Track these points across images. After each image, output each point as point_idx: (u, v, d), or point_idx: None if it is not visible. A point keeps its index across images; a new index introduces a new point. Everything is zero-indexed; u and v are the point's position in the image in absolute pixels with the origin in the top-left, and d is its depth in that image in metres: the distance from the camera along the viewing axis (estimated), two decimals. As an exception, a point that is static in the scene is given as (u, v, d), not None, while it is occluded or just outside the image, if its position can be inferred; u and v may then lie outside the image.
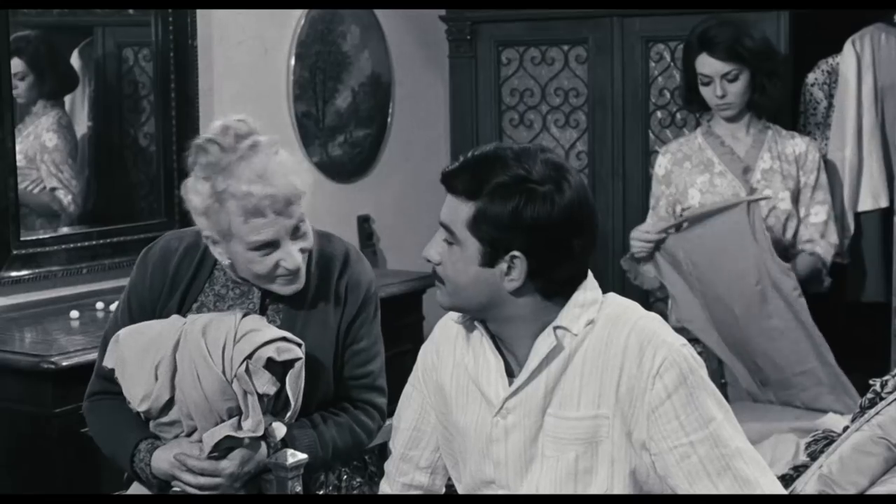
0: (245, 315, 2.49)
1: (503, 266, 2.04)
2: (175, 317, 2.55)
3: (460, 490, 2.26)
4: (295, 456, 2.43)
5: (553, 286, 2.07)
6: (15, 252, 3.70)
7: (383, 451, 2.72)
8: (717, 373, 3.82)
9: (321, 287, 2.61)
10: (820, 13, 4.40)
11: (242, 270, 2.53)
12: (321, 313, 2.61)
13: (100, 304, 3.75)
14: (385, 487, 2.38)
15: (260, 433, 2.42)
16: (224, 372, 2.41)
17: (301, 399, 2.48)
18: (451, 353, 2.22)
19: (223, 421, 2.43)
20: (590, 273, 2.14)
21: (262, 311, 2.60)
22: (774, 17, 4.35)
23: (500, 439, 2.12)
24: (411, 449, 2.32)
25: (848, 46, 4.36)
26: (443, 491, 2.37)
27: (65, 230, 3.94)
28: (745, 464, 2.02)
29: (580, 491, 2.08)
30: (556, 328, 2.08)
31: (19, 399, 3.26)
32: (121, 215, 4.12)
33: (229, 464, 2.43)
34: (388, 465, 2.38)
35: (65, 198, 3.94)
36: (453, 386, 2.21)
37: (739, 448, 2.02)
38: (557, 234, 2.03)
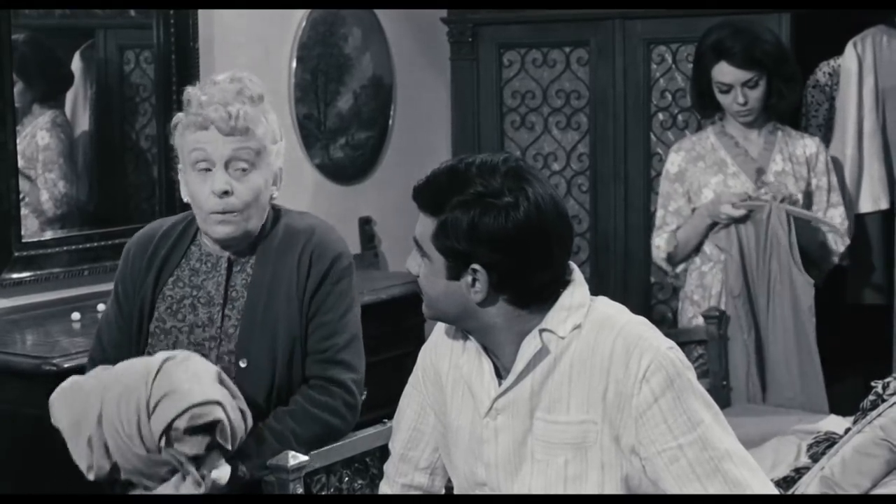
0: (164, 362, 2.47)
1: (468, 279, 2.06)
2: (99, 371, 2.55)
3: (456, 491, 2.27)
4: (296, 458, 2.44)
5: (524, 296, 2.08)
6: (16, 254, 3.70)
7: (385, 453, 2.72)
8: (720, 375, 3.82)
9: (285, 258, 2.65)
10: (821, 15, 4.40)
11: (194, 207, 2.62)
12: (285, 286, 2.63)
13: (101, 306, 3.73)
14: (385, 489, 2.38)
15: (203, 489, 2.42)
16: (147, 449, 2.42)
17: (245, 423, 2.49)
18: (448, 353, 2.23)
19: (168, 478, 2.44)
20: (579, 275, 2.14)
21: (228, 283, 2.65)
22: (776, 19, 4.35)
23: (490, 440, 2.13)
24: (411, 449, 2.32)
25: (849, 48, 4.35)
26: (442, 492, 2.36)
27: (66, 232, 3.93)
28: (734, 465, 2.01)
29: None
30: (541, 331, 2.08)
31: (21, 401, 3.26)
32: (122, 217, 4.11)
33: None
34: (388, 467, 2.38)
35: (42, 196, 3.89)
36: (449, 386, 2.22)
37: (729, 450, 2.02)
38: (517, 246, 2.04)
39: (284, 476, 2.43)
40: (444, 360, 2.23)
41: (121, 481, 2.50)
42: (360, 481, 2.68)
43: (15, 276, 3.71)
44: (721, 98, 3.89)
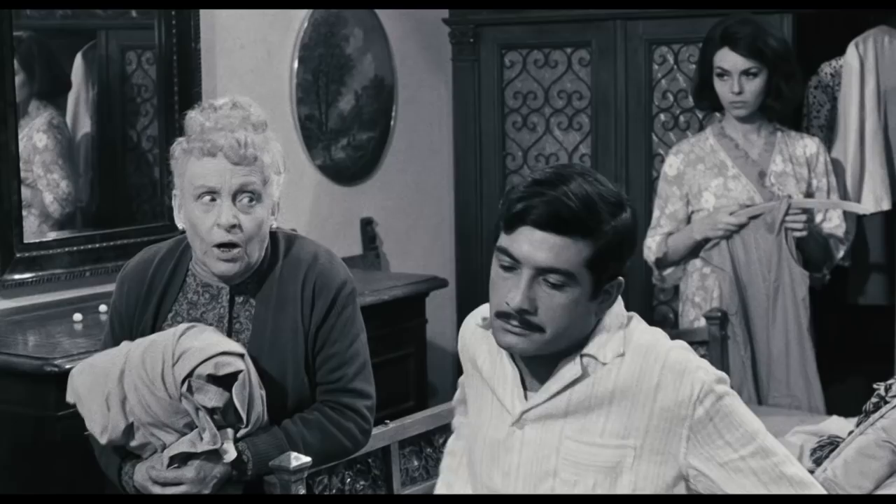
0: (188, 329, 2.49)
1: (602, 295, 2.03)
2: (124, 343, 2.56)
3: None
4: (298, 459, 2.44)
5: None
6: (18, 255, 3.70)
7: (387, 455, 2.72)
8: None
9: (288, 289, 2.61)
10: (823, 15, 4.40)
11: (191, 236, 2.57)
12: (290, 318, 2.60)
13: (103, 307, 3.74)
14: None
15: (218, 445, 2.43)
16: (169, 395, 2.43)
17: (263, 408, 2.49)
18: (471, 354, 2.21)
19: (186, 433, 2.45)
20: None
21: (231, 315, 2.61)
22: (778, 19, 4.35)
23: (514, 450, 2.09)
24: None
25: (851, 49, 4.35)
26: None
27: (68, 233, 3.93)
28: (794, 467, 2.04)
29: None
30: (582, 356, 2.05)
31: (22, 402, 3.26)
32: (124, 218, 4.12)
33: (190, 469, 2.45)
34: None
35: (46, 198, 3.90)
36: (472, 386, 2.21)
37: (784, 454, 2.05)
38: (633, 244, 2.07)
39: (287, 477, 2.43)
40: (468, 362, 2.22)
41: (132, 448, 2.51)
42: (361, 482, 2.68)
43: (17, 276, 3.71)
44: (718, 86, 3.87)
